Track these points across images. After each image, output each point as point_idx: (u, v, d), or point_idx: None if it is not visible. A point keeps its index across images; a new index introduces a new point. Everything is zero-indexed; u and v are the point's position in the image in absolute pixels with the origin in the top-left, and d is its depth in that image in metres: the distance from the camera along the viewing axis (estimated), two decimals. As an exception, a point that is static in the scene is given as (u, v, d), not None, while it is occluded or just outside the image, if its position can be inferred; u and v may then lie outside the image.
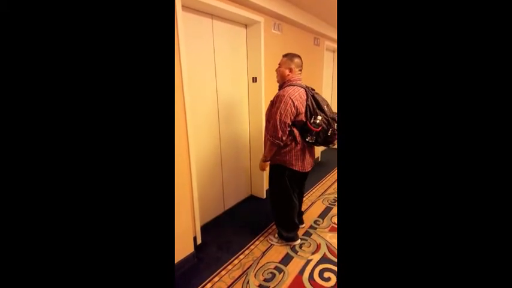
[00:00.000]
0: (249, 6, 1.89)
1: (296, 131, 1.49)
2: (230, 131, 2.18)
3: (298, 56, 1.54)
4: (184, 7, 1.58)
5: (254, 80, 2.23)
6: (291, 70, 1.52)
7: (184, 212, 1.48)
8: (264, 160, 1.59)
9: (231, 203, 2.31)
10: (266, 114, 1.59)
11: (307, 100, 1.44)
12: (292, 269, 1.50)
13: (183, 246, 1.52)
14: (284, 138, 1.45)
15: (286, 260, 1.58)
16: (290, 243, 1.72)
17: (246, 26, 2.13)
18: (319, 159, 3.62)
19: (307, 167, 1.59)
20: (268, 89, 2.25)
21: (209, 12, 1.78)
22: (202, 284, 1.42)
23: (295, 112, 1.42)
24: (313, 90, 1.53)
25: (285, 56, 1.55)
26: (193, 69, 1.74)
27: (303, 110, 1.44)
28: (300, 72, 1.56)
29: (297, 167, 1.53)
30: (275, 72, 1.62)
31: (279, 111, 1.41)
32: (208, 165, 2.02)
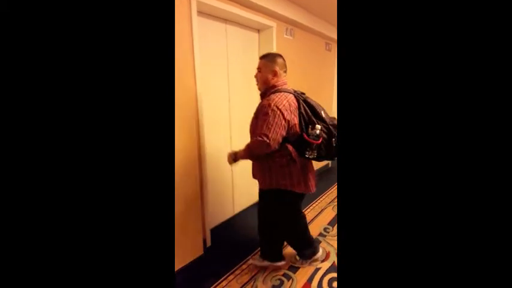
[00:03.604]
0: (262, 11, 1.91)
1: (291, 148, 1.19)
2: (241, 133, 2.18)
3: (280, 56, 1.27)
4: (200, 12, 1.61)
5: (265, 84, 2.23)
6: (275, 74, 1.22)
7: (194, 214, 1.49)
8: (234, 159, 1.30)
9: (241, 206, 2.31)
10: (250, 128, 1.27)
11: (299, 108, 1.17)
12: (301, 276, 1.48)
13: (192, 249, 1.52)
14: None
15: (295, 267, 1.56)
16: (314, 257, 1.54)
17: (258, 30, 2.15)
18: (329, 165, 3.57)
19: (312, 188, 1.30)
20: (279, 94, 2.24)
21: (223, 17, 1.81)
22: (210, 288, 1.41)
23: (286, 125, 1.13)
24: (304, 94, 1.26)
25: (263, 57, 1.26)
26: (207, 71, 1.76)
27: (296, 120, 1.16)
28: (285, 74, 1.27)
29: (300, 189, 1.25)
30: (254, 79, 1.32)
31: (265, 125, 1.10)
32: (219, 167, 2.02)
